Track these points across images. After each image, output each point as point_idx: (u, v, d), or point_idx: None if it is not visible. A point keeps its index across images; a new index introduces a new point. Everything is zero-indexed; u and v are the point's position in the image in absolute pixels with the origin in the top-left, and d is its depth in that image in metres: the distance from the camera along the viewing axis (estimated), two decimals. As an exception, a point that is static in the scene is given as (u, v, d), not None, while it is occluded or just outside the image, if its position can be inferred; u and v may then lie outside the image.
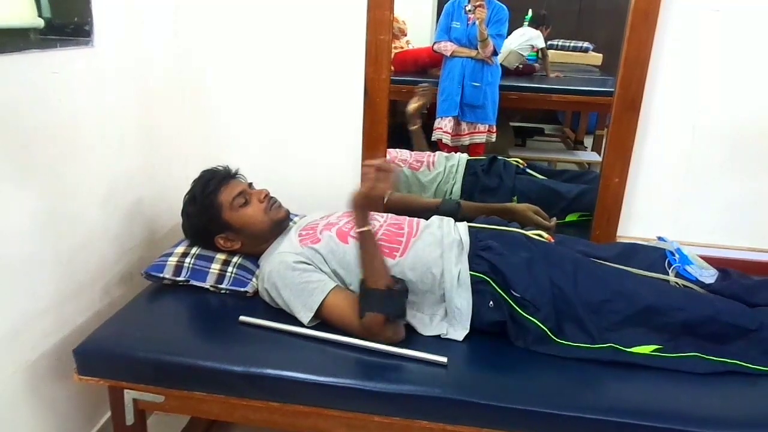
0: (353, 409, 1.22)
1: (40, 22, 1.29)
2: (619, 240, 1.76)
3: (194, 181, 1.52)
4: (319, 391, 1.21)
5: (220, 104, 1.87)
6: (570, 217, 1.97)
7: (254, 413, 1.28)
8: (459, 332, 1.34)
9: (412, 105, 2.19)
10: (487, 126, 2.29)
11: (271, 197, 1.53)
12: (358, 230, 1.29)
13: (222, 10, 1.78)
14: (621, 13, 1.62)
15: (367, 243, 1.30)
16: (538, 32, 2.33)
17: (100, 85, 1.49)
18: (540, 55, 2.39)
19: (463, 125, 2.28)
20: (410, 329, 1.35)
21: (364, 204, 1.28)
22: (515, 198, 2.00)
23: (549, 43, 2.53)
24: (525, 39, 2.35)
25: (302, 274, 1.35)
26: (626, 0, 1.59)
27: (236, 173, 1.55)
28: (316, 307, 1.32)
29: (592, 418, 1.14)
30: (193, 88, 1.84)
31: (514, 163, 2.16)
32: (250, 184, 1.56)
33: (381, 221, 1.52)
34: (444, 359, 1.24)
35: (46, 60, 1.31)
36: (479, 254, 1.40)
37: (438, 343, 1.32)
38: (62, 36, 1.36)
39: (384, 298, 1.26)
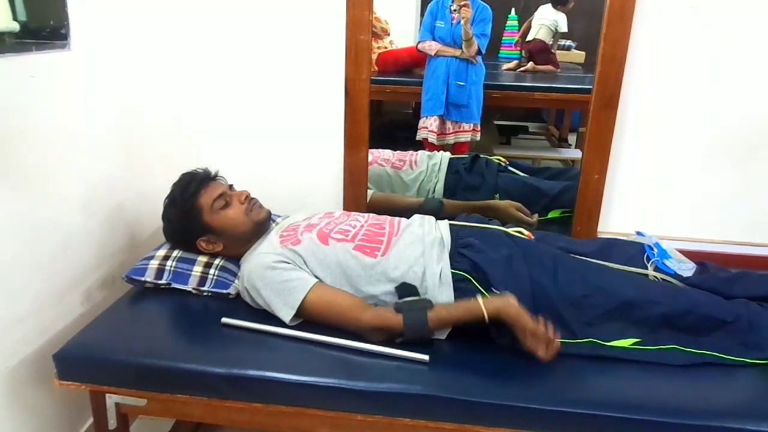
0: (336, 408, 1.22)
1: (15, 26, 1.28)
2: (599, 235, 1.77)
3: (174, 184, 1.51)
4: (302, 390, 1.21)
5: (199, 106, 1.86)
6: (552, 214, 1.98)
7: (237, 415, 1.28)
8: (443, 330, 1.34)
9: None
10: (472, 125, 2.30)
11: (252, 198, 1.53)
12: (485, 307, 1.25)
13: (201, 9, 1.77)
14: (600, 10, 1.63)
15: (470, 313, 1.28)
16: (564, 17, 2.34)
17: (78, 89, 1.49)
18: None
19: (448, 124, 2.29)
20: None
21: (518, 323, 1.24)
22: (497, 195, 2.01)
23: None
24: (553, 18, 2.35)
25: (282, 273, 1.35)
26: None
27: (216, 175, 1.55)
28: (298, 305, 1.31)
29: (573, 412, 1.15)
30: (171, 90, 1.83)
31: (497, 161, 2.17)
32: (231, 186, 1.55)
33: (362, 221, 1.52)
34: (425, 357, 1.24)
35: (22, 64, 1.30)
36: (460, 252, 1.41)
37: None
38: (38, 39, 1.35)
39: (420, 331, 1.27)
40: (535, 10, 2.44)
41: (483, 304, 1.26)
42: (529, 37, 2.37)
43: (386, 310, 1.31)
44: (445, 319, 1.30)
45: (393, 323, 1.27)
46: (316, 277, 1.38)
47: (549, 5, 2.36)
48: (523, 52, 2.54)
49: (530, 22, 2.41)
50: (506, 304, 1.25)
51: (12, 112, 1.27)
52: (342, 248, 1.40)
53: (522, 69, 2.49)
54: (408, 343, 1.28)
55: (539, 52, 2.39)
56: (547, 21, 2.35)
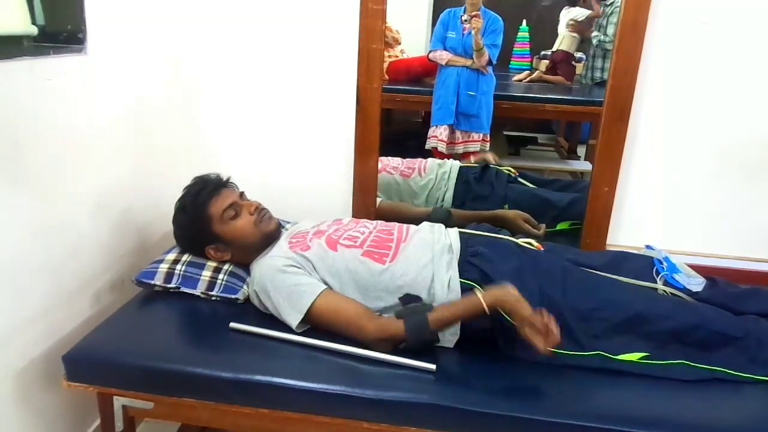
0: (342, 415, 1.22)
1: (34, 30, 1.30)
2: (608, 248, 1.77)
3: (186, 188, 1.52)
4: (309, 397, 1.21)
5: (212, 112, 1.88)
6: (561, 226, 1.98)
7: (244, 420, 1.28)
8: (450, 338, 1.34)
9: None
10: (481, 135, 2.31)
11: (262, 209, 1.53)
12: (483, 298, 1.24)
13: (215, 18, 1.79)
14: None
15: (470, 309, 1.27)
16: (576, 8, 2.33)
17: (93, 93, 1.50)
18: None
19: (458, 134, 2.31)
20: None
21: (516, 312, 1.22)
22: (506, 206, 2.01)
23: (542, 53, 2.56)
24: (569, 18, 2.35)
25: (292, 277, 1.36)
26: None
27: (228, 181, 1.55)
28: (306, 310, 1.32)
29: (580, 425, 1.14)
30: (185, 95, 1.85)
31: (506, 171, 2.18)
32: (242, 194, 1.55)
33: (370, 228, 1.53)
34: (433, 366, 1.24)
35: (39, 67, 1.31)
36: (469, 261, 1.41)
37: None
38: (55, 43, 1.36)
39: (422, 334, 1.26)
40: (547, 22, 2.45)
41: (482, 297, 1.25)
42: (554, 48, 2.38)
43: (389, 318, 1.31)
44: (446, 318, 1.28)
45: (395, 330, 1.27)
46: (325, 283, 1.38)
47: (565, 9, 2.36)
48: (533, 62, 2.56)
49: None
50: (505, 292, 1.24)
51: (27, 115, 1.28)
52: (350, 254, 1.40)
53: (529, 79, 2.50)
54: (412, 350, 1.27)
55: (561, 62, 2.40)
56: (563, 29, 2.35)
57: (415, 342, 1.26)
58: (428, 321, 1.26)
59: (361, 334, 1.29)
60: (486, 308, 1.24)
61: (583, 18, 2.31)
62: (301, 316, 1.32)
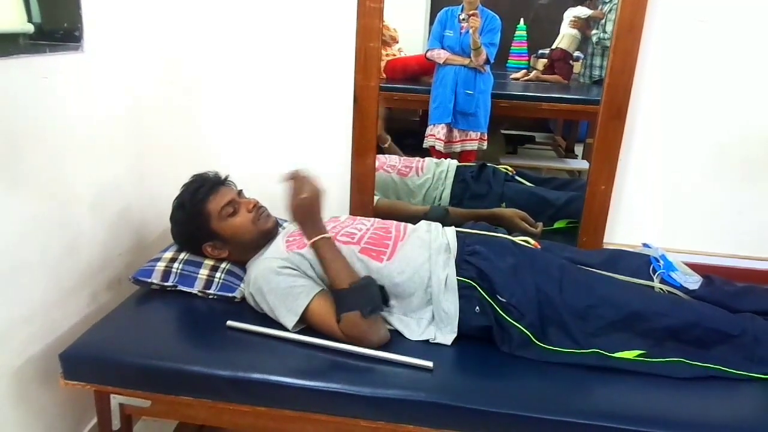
0: (339, 413, 1.23)
1: (30, 27, 1.29)
2: (605, 246, 1.77)
3: (184, 186, 1.52)
4: (306, 395, 1.21)
5: (210, 110, 1.88)
6: (558, 224, 1.99)
7: (241, 418, 1.28)
8: (447, 336, 1.34)
9: None
10: (478, 133, 2.30)
11: (260, 207, 1.53)
12: (308, 242, 1.33)
13: (213, 16, 1.79)
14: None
15: (323, 251, 1.33)
16: (580, 7, 2.32)
17: (90, 91, 1.50)
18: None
19: (455, 132, 2.30)
20: (398, 334, 1.36)
21: (303, 213, 1.32)
22: (503, 204, 2.02)
23: (540, 52, 2.55)
24: (572, 14, 2.34)
25: (287, 279, 1.36)
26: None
27: (226, 179, 1.55)
28: (301, 311, 1.32)
29: (577, 423, 1.15)
30: (183, 94, 1.85)
31: (503, 170, 2.18)
32: (240, 192, 1.56)
33: (368, 225, 1.53)
34: (430, 364, 1.24)
35: (35, 65, 1.31)
36: (466, 259, 1.41)
37: (424, 347, 1.33)
38: (52, 41, 1.36)
39: (351, 295, 1.28)
40: (544, 21, 2.45)
41: (308, 240, 1.33)
42: (554, 45, 2.37)
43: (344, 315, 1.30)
44: (333, 272, 1.32)
45: (351, 316, 1.27)
46: (323, 280, 1.39)
47: (569, 9, 2.35)
48: (530, 60, 2.55)
49: None
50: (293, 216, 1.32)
51: (23, 113, 1.28)
52: (348, 251, 1.40)
53: (526, 78, 2.49)
54: (372, 308, 1.28)
55: (559, 60, 2.39)
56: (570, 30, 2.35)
57: (357, 303, 1.27)
58: (338, 289, 1.30)
59: (345, 341, 1.29)
60: (319, 236, 1.32)
61: (586, 15, 2.30)
62: (297, 318, 1.32)
